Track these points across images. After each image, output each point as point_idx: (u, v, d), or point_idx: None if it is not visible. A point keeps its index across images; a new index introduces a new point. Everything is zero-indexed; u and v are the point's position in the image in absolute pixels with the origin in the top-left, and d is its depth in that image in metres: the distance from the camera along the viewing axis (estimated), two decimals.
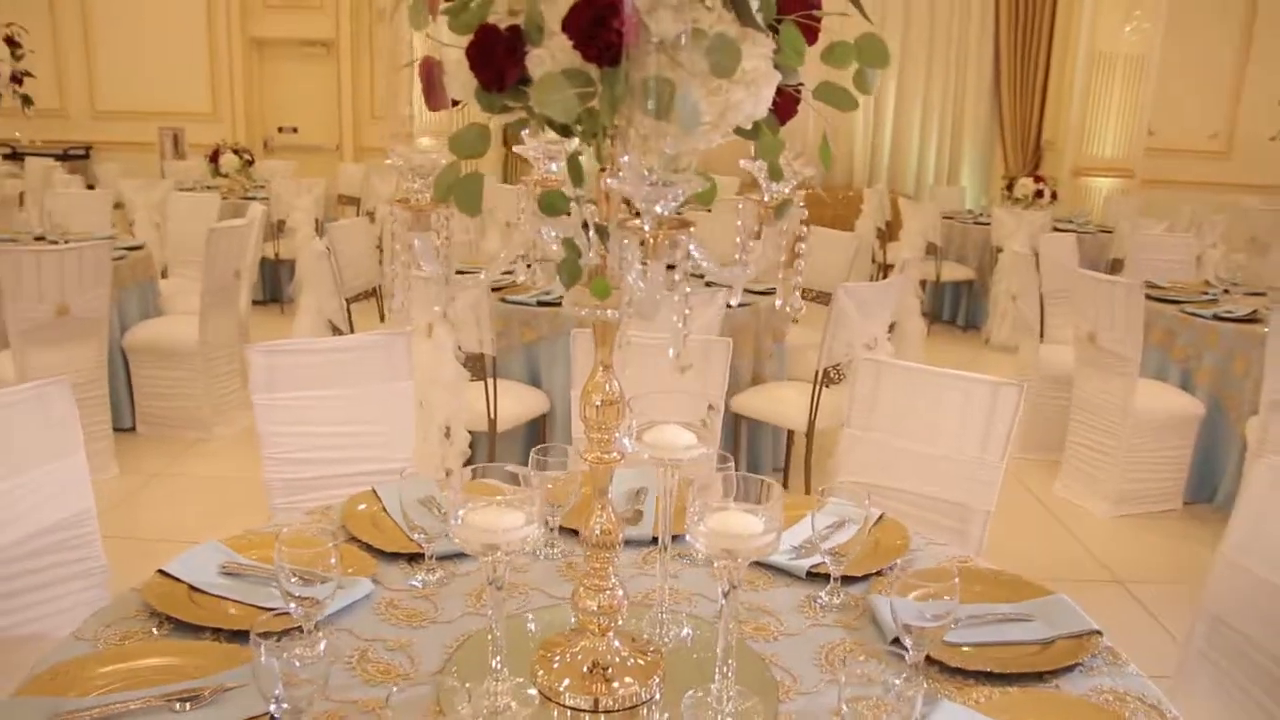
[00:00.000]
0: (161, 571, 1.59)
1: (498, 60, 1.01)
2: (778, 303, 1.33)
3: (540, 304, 3.79)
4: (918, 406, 2.34)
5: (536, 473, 1.31)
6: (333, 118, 9.99)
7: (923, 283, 7.20)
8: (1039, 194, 7.33)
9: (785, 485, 4.24)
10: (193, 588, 1.56)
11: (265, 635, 1.14)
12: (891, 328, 4.34)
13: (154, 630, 1.46)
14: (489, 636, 1.28)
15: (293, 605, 1.33)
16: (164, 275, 5.56)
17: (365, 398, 2.46)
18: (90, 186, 7.39)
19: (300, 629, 1.33)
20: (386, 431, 2.50)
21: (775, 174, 1.19)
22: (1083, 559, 3.80)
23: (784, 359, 4.25)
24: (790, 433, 4.21)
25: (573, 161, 1.09)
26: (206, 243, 4.25)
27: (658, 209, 1.01)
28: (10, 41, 4.32)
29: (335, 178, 8.46)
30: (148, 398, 4.43)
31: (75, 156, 9.61)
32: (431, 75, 1.13)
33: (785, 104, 1.16)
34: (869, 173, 10.02)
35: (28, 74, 4.31)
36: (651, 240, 1.02)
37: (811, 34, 1.13)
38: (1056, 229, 6.80)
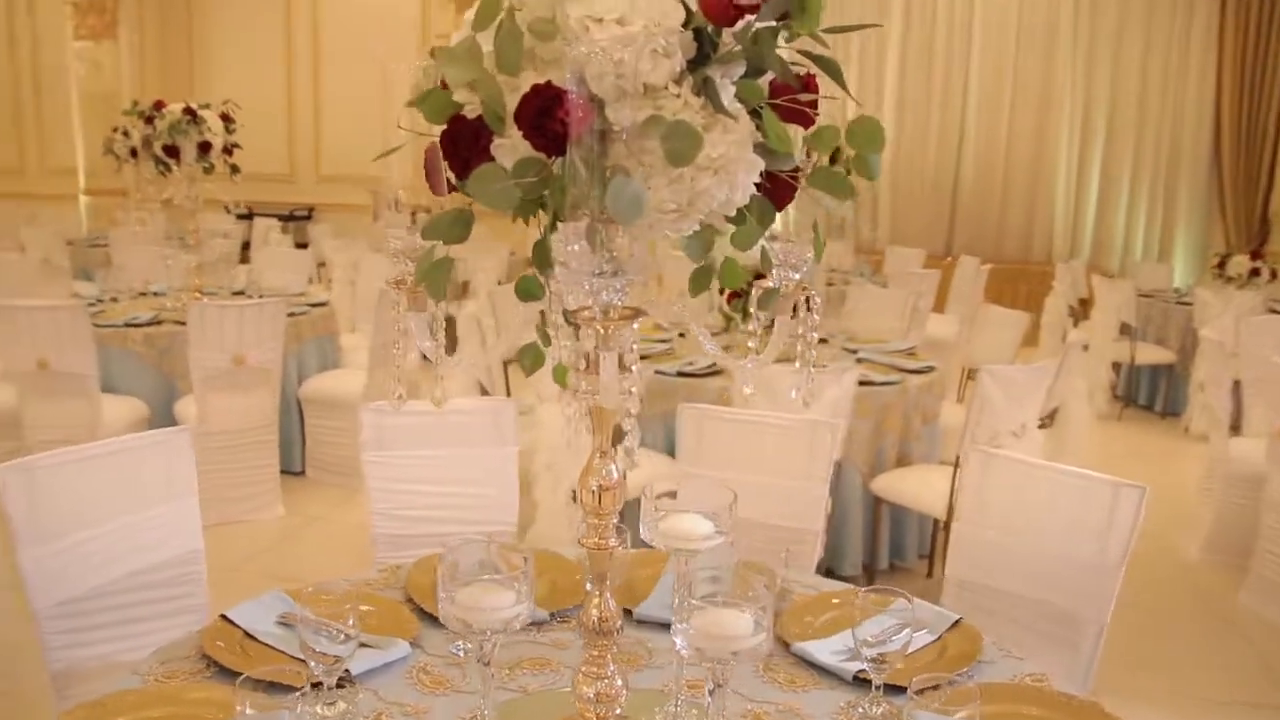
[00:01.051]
0: (223, 616, 1.68)
1: (463, 149, 1.03)
2: (792, 393, 1.29)
3: (680, 374, 3.80)
4: (1028, 502, 2.18)
5: (527, 552, 1.31)
6: None
7: (1116, 365, 6.73)
8: (1255, 272, 6.72)
9: (929, 574, 4.02)
10: (247, 634, 1.65)
11: (258, 683, 1.19)
12: (1054, 414, 4.08)
13: (202, 673, 1.54)
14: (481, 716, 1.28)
15: (313, 662, 1.38)
16: (352, 330, 5.96)
17: (472, 460, 2.53)
18: (302, 245, 8.04)
19: (322, 685, 1.38)
20: (493, 495, 2.55)
21: (765, 263, 1.15)
22: (1259, 678, 3.39)
23: (936, 440, 4.06)
24: (936, 519, 4.00)
25: (538, 248, 1.10)
26: (378, 300, 4.53)
27: (604, 298, 1.00)
28: (225, 118, 4.75)
29: (523, 241, 8.83)
30: (318, 445, 4.73)
31: (299, 218, 10.52)
32: (431, 160, 1.18)
33: (778, 189, 1.12)
34: (1070, 245, 9.50)
35: (236, 145, 4.76)
36: (600, 330, 1.02)
37: (804, 119, 1.10)
38: (1273, 311, 6.21)
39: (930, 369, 3.99)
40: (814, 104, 1.10)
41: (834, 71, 1.06)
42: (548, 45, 0.99)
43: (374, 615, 1.68)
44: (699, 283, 1.21)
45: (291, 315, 4.68)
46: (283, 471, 4.50)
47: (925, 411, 3.90)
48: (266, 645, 1.62)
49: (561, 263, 0.99)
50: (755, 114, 1.08)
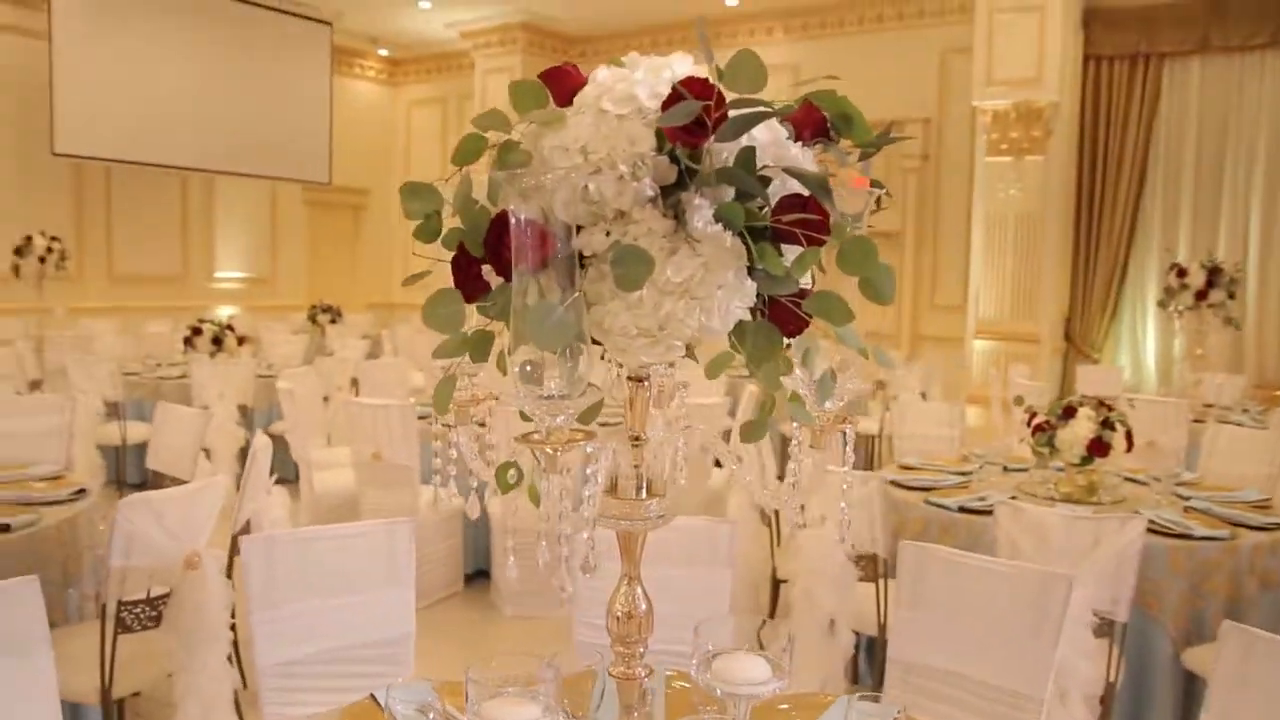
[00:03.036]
0: (372, 695, 1.81)
1: (461, 275, 1.09)
2: (842, 540, 1.19)
3: (963, 510, 3.53)
4: None
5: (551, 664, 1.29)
6: (892, 307, 10.33)
7: None
8: None
9: None
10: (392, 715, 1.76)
11: None
12: None
13: None
14: None
15: None
16: None
17: (685, 579, 2.52)
18: None
19: None
20: (702, 616, 2.52)
21: (770, 383, 1.08)
22: None
23: None
24: None
25: (500, 361, 1.11)
26: None
27: (549, 421, 1.00)
28: None
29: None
30: None
31: None
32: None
33: (781, 316, 1.07)
34: None
35: None
36: (550, 452, 1.01)
37: (811, 240, 1.05)
38: None
39: (1278, 526, 3.36)
40: (822, 224, 1.03)
41: (819, 186, 1.00)
42: (526, 176, 1.03)
43: None
44: (753, 432, 1.17)
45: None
46: None
47: (1265, 575, 3.27)
48: None
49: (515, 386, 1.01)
50: (759, 235, 1.04)
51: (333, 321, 10.85)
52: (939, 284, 10.03)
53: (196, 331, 6.38)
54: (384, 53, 13.43)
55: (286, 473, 5.18)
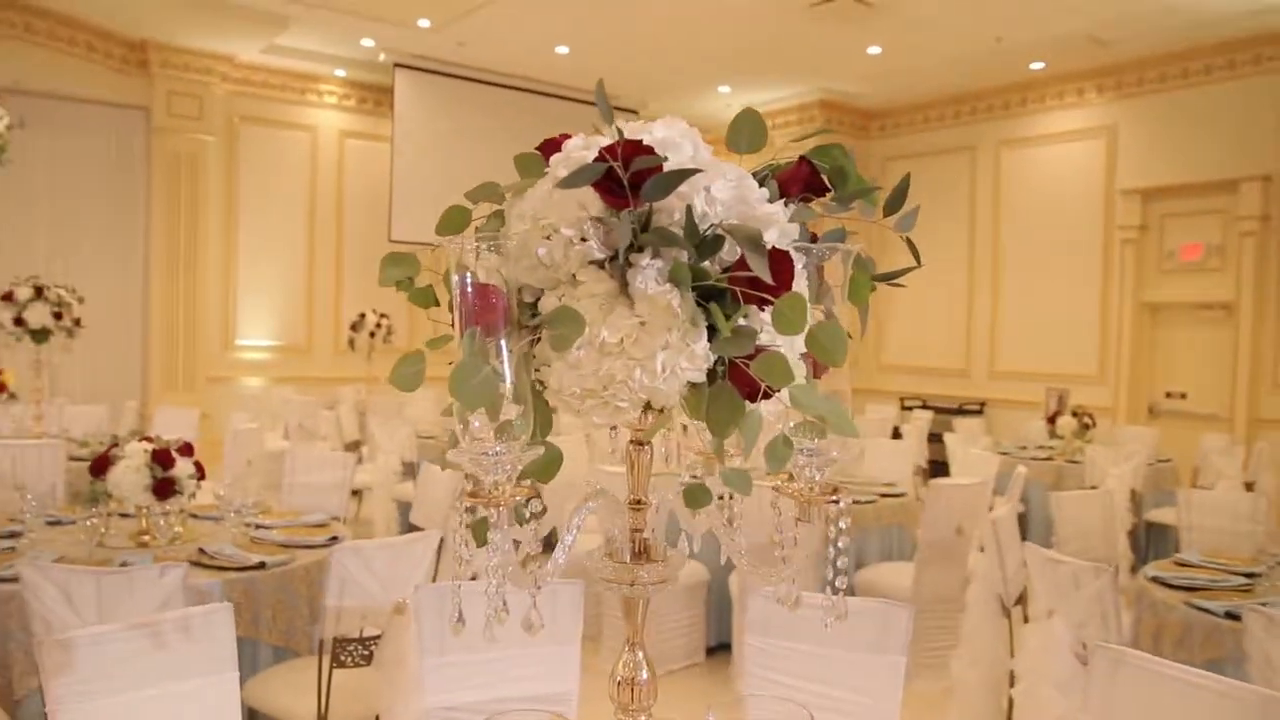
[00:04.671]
0: None
1: None
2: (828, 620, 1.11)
3: (1229, 616, 3.06)
4: None
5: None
6: (1225, 384, 9.21)
7: None
8: None
9: None
10: None
11: None
12: None
13: None
14: None
15: None
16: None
17: (852, 664, 2.40)
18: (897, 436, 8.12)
19: None
20: (868, 705, 2.38)
21: (715, 452, 1.04)
22: None
23: None
24: None
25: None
26: (930, 495, 4.44)
27: (489, 478, 1.03)
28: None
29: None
30: None
31: (970, 412, 10.63)
32: None
33: (739, 378, 1.03)
34: None
35: None
36: (498, 510, 1.04)
37: (758, 300, 1.02)
38: None
39: None
40: (775, 287, 1.00)
41: (749, 242, 0.97)
42: (486, 242, 1.08)
43: None
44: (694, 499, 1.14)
45: (857, 503, 4.82)
46: None
47: None
48: None
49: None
50: (712, 296, 1.02)
51: None
52: None
53: None
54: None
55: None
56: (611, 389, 1.02)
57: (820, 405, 1.01)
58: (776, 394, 1.02)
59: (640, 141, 1.01)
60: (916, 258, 1.23)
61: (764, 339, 1.04)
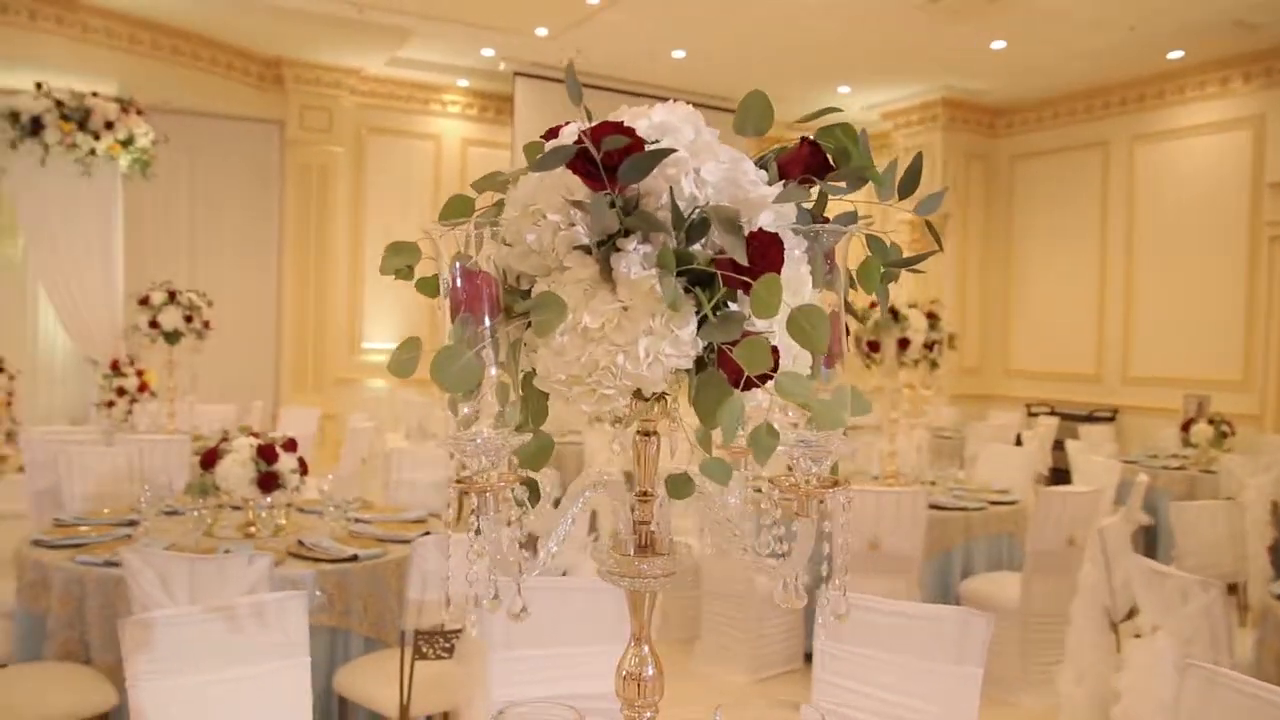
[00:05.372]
0: None
1: None
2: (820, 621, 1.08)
3: None
4: None
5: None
6: None
7: None
8: None
9: None
10: None
11: None
12: None
13: None
14: None
15: None
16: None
17: (922, 673, 2.31)
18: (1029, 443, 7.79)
19: None
20: (937, 713, 2.29)
21: (701, 440, 1.02)
22: None
23: None
24: None
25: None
26: (1039, 502, 4.25)
27: (473, 464, 1.03)
28: (931, 315, 5.06)
29: None
30: None
31: (1101, 419, 10.14)
32: None
33: (727, 365, 1.01)
34: None
35: (937, 342, 5.01)
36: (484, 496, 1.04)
37: (737, 284, 0.99)
38: None
39: None
40: (759, 269, 0.97)
41: (724, 223, 0.94)
42: (482, 229, 1.08)
43: None
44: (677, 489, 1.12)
45: (964, 510, 4.66)
46: None
47: None
48: None
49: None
50: (702, 282, 1.00)
51: None
52: None
53: None
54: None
55: None
56: (596, 375, 1.01)
57: (805, 393, 0.97)
58: (765, 383, 0.99)
59: (619, 123, 0.99)
60: (938, 241, 1.18)
61: (761, 325, 1.01)
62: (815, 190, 1.11)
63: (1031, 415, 10.31)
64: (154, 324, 5.76)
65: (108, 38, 8.63)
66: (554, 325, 0.99)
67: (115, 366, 6.86)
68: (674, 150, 0.97)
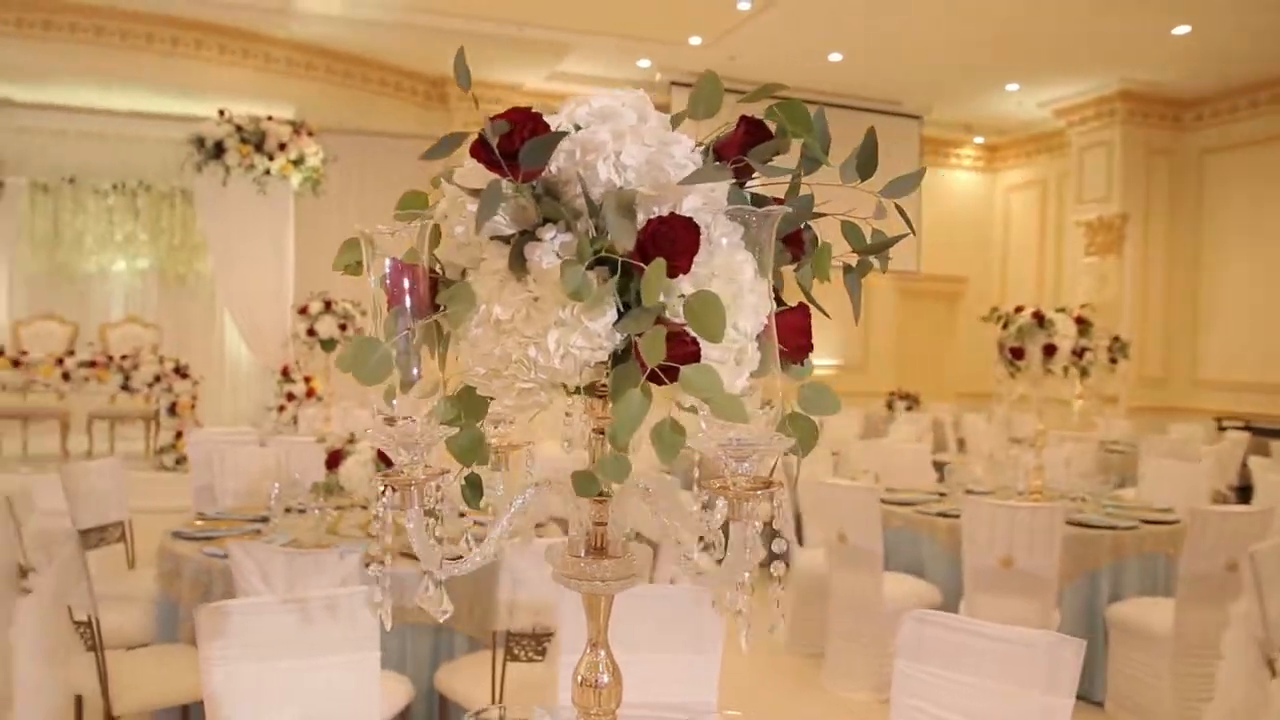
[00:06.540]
0: None
1: None
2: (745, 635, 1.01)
3: None
4: None
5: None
6: None
7: None
8: None
9: None
10: None
11: None
12: None
13: None
14: None
15: None
16: None
17: (1012, 698, 2.15)
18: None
19: None
20: None
21: (610, 437, 0.96)
22: None
23: None
24: None
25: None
26: (1193, 522, 3.90)
27: (398, 458, 1.02)
28: (1080, 321, 4.76)
29: None
30: (1120, 676, 4.20)
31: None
32: None
33: (678, 348, 0.95)
34: None
35: (1087, 349, 4.70)
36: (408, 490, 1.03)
37: (673, 269, 0.94)
38: None
39: None
40: (651, 257, 0.92)
41: (618, 206, 0.89)
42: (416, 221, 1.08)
43: None
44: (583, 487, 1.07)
45: (1114, 529, 4.34)
46: (1079, 698, 4.13)
47: None
48: None
49: None
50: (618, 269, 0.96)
51: (908, 408, 10.93)
52: None
53: None
54: (979, 140, 13.33)
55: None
56: (511, 369, 0.98)
57: (708, 386, 0.91)
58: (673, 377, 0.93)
59: (522, 108, 0.96)
60: (910, 225, 1.09)
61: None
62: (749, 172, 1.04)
63: (1221, 429, 9.50)
64: (311, 332, 6.10)
65: (287, 66, 9.24)
66: (464, 317, 0.97)
67: (285, 373, 7.30)
68: (568, 133, 0.94)
